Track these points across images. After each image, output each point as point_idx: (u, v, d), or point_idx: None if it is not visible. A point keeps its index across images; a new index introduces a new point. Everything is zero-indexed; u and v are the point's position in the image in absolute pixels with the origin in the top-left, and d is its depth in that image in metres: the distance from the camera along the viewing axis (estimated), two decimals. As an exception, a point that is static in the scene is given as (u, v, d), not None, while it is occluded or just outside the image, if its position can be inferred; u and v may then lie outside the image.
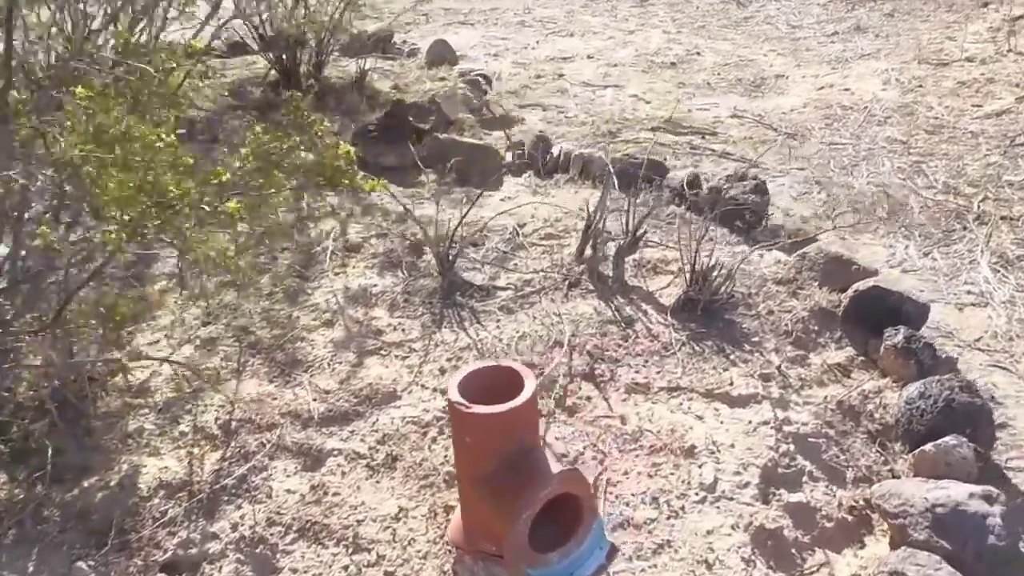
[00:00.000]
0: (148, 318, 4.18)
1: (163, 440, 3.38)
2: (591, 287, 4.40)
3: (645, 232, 4.54)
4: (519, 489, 2.57)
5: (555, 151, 6.07)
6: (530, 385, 2.62)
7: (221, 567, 2.89)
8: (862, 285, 4.16)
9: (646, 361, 3.86)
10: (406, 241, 4.85)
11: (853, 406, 3.62)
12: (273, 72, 7.88)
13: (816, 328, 4.11)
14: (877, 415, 3.57)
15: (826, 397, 3.66)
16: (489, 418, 2.52)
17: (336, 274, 4.62)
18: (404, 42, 9.50)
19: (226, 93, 7.73)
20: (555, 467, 2.59)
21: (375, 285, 4.45)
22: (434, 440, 3.38)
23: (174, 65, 3.54)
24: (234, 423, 3.45)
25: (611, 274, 4.47)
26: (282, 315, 4.22)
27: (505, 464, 2.63)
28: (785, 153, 6.40)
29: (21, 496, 3.11)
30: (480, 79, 8.20)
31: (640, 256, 4.64)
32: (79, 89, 2.92)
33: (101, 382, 3.61)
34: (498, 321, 4.13)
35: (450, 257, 4.41)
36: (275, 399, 3.60)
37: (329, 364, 3.84)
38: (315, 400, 3.58)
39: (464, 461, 2.75)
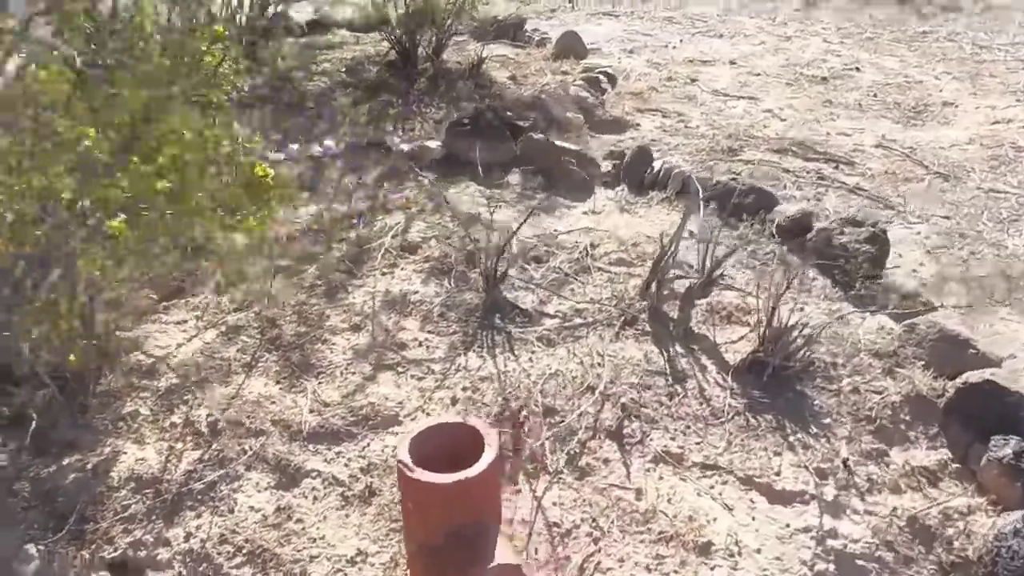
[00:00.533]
0: (190, 295, 4.17)
1: (152, 429, 3.33)
2: (648, 329, 3.96)
3: (723, 273, 4.04)
4: (461, 570, 2.26)
5: (656, 165, 5.60)
6: (488, 456, 2.30)
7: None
8: (975, 376, 3.49)
9: (687, 427, 3.41)
10: (464, 248, 4.59)
11: (929, 526, 3.02)
12: (393, 52, 7.85)
13: (908, 419, 3.49)
14: (957, 543, 2.96)
15: (896, 509, 3.07)
16: (433, 487, 2.23)
17: (383, 274, 4.44)
18: (535, 30, 9.23)
19: (343, 70, 7.80)
20: (502, 555, 2.25)
21: (416, 292, 4.23)
22: (419, 479, 3.12)
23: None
24: (223, 423, 3.35)
25: (675, 317, 4.01)
26: (314, 311, 4.10)
27: (452, 539, 2.33)
28: (931, 196, 5.59)
29: (3, 464, 3.14)
30: (603, 77, 7.80)
31: (715, 300, 4.14)
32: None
33: (112, 357, 3.61)
34: (532, 353, 3.79)
35: (497, 273, 4.11)
36: (273, 403, 3.47)
37: (341, 373, 3.67)
38: (311, 412, 3.42)
39: (408, 526, 2.48)
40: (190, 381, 3.59)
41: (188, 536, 2.90)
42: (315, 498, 3.06)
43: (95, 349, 3.48)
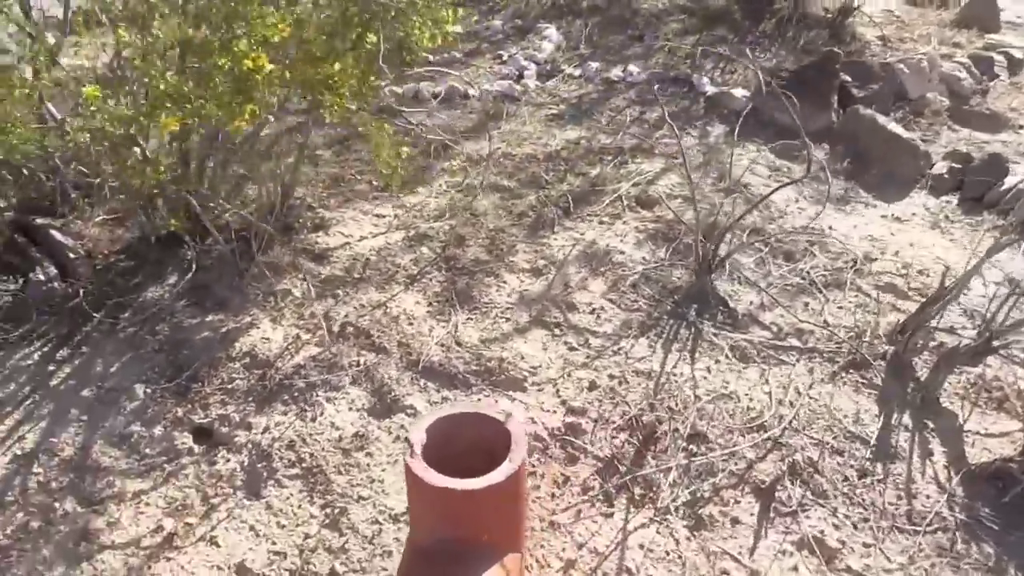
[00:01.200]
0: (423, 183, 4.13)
1: (292, 313, 3.34)
2: (879, 381, 3.04)
3: (1013, 342, 2.93)
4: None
5: (1009, 182, 4.29)
6: (503, 470, 1.84)
7: (230, 460, 2.78)
8: None
9: (864, 519, 2.55)
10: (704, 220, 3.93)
11: None
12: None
13: None
14: None
15: None
16: (423, 484, 1.84)
17: (601, 223, 3.99)
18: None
19: (681, -5, 7.20)
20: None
21: (621, 253, 3.72)
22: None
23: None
24: (352, 329, 3.24)
25: (923, 377, 3.03)
26: (506, 241, 3.81)
27: (440, 546, 1.94)
28: None
29: (162, 299, 3.38)
30: (1000, 58, 6.22)
31: (988, 375, 3.04)
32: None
33: (292, 231, 3.70)
34: (716, 362, 3.12)
35: (716, 257, 3.44)
36: (410, 324, 3.29)
37: (494, 316, 3.36)
38: (439, 345, 3.17)
39: (411, 513, 2.11)
40: (351, 277, 3.54)
41: (266, 429, 2.86)
42: (395, 437, 2.83)
43: (279, 223, 3.59)
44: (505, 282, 3.54)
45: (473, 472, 1.88)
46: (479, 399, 2.97)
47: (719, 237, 3.43)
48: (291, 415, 2.92)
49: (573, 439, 2.82)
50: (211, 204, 3.55)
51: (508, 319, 3.34)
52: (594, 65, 6.07)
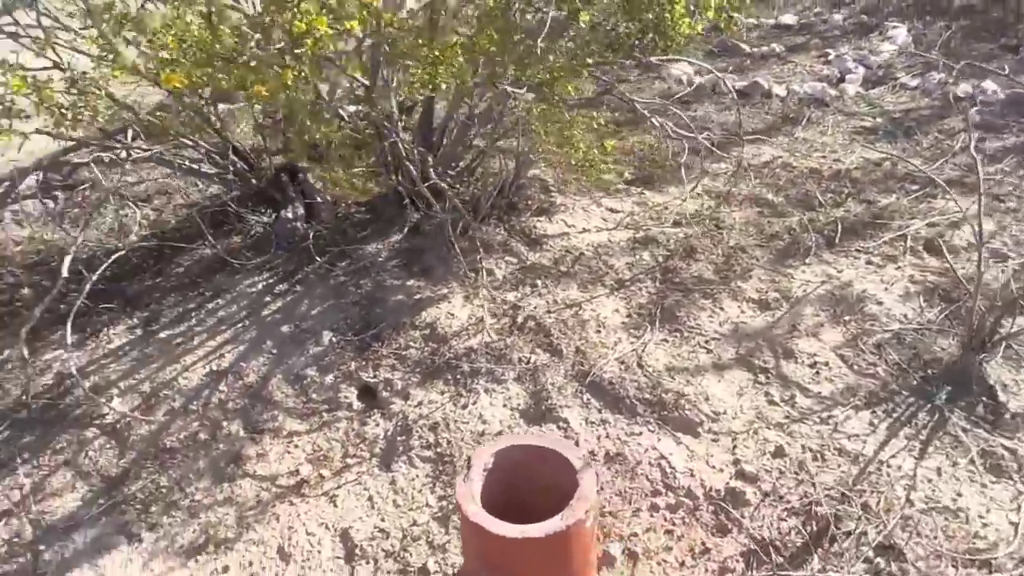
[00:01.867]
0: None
1: (488, 294, 3.31)
2: None
3: None
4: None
5: None
6: (550, 525, 1.63)
7: (379, 425, 2.85)
8: None
9: None
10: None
11: None
12: None
13: None
14: None
15: None
16: (466, 520, 1.70)
17: (870, 262, 3.41)
18: None
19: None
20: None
21: (879, 304, 3.14)
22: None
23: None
24: (536, 324, 3.13)
25: None
26: (742, 262, 3.42)
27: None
28: None
29: (377, 256, 3.55)
30: None
31: None
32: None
33: (518, 211, 3.66)
34: (951, 465, 2.49)
35: (991, 333, 2.74)
36: (598, 332, 3.09)
37: (693, 343, 3.02)
38: (619, 362, 2.93)
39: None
40: (557, 269, 3.42)
41: (419, 404, 2.88)
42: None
43: (505, 200, 3.58)
44: (722, 308, 3.17)
45: (539, 513, 1.68)
46: (636, 433, 2.69)
47: (1006, 309, 2.72)
48: (446, 397, 2.89)
49: (731, 508, 2.43)
50: (449, 173, 3.65)
51: (709, 351, 2.98)
52: (937, 76, 5.19)
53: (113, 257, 3.21)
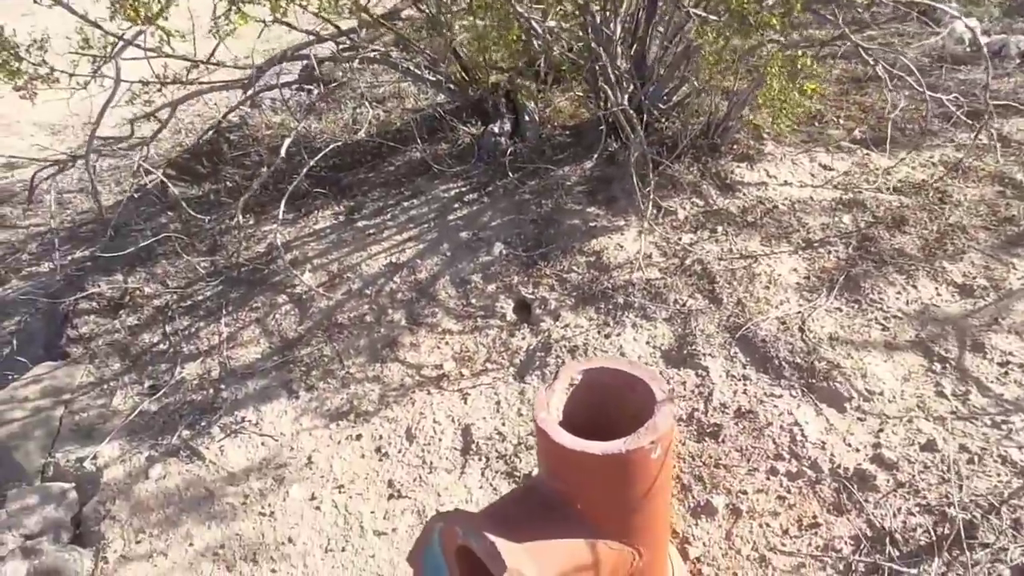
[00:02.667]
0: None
1: (661, 231, 3.32)
2: None
3: None
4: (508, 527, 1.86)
5: None
6: (611, 445, 1.71)
7: (525, 339, 3.02)
8: None
9: None
10: None
11: None
12: None
13: None
14: None
15: None
16: (536, 423, 1.81)
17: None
18: None
19: None
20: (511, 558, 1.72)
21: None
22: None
23: None
24: (701, 267, 3.10)
25: None
26: (961, 243, 3.12)
27: (543, 491, 1.90)
28: None
29: (566, 179, 3.67)
30: None
31: None
32: None
33: (720, 153, 3.59)
34: None
35: None
36: (765, 289, 2.99)
37: (868, 316, 2.84)
38: (779, 322, 2.84)
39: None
40: (743, 219, 3.33)
41: (566, 326, 3.00)
42: (670, 389, 2.70)
43: (708, 140, 3.55)
44: (915, 287, 2.93)
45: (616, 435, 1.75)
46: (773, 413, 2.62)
47: None
48: (593, 324, 2.99)
49: (856, 489, 2.32)
50: (659, 106, 3.66)
51: (885, 328, 2.79)
52: None
53: (330, 147, 3.62)
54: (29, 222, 4.73)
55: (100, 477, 2.83)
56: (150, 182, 4.28)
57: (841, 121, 3.94)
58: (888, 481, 2.33)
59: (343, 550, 2.46)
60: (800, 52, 2.77)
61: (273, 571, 2.44)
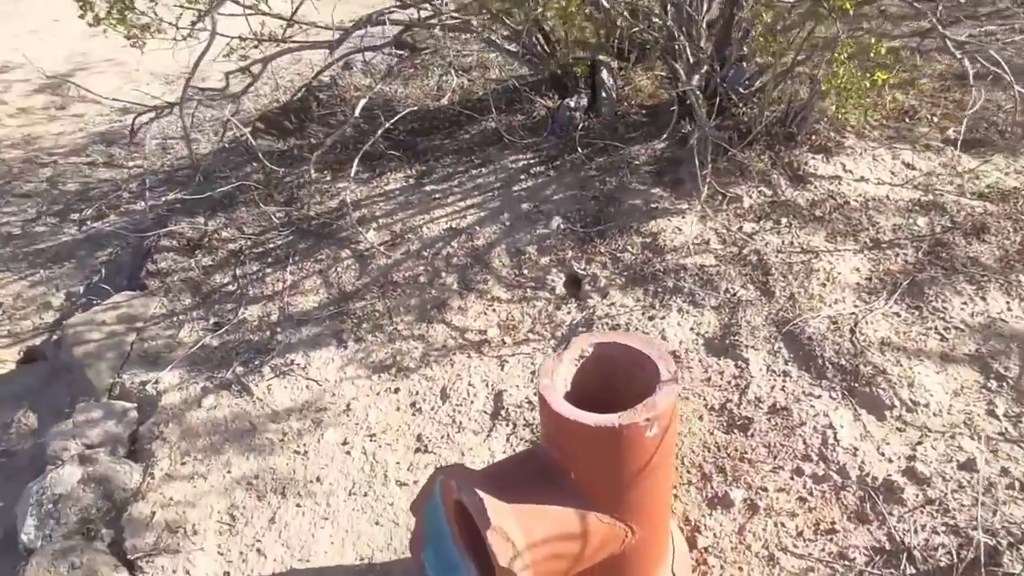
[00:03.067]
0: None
1: (723, 218, 3.25)
2: None
3: None
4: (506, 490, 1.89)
5: None
6: (606, 418, 1.71)
7: (570, 314, 3.03)
8: None
9: None
10: None
11: None
12: None
13: None
14: None
15: None
16: (541, 399, 1.82)
17: None
18: None
19: None
20: (497, 518, 1.74)
21: None
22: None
23: None
24: (757, 257, 3.02)
25: None
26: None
27: (541, 457, 1.92)
28: None
29: (635, 158, 3.63)
30: None
31: None
32: None
33: (795, 143, 3.47)
34: None
35: None
36: (821, 287, 2.90)
37: (927, 325, 2.71)
38: (830, 321, 2.75)
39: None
40: (810, 212, 3.22)
41: (611, 305, 2.99)
42: (707, 378, 2.66)
43: (783, 128, 3.45)
44: (984, 299, 2.78)
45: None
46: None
47: None
48: (639, 305, 2.96)
49: (880, 500, 2.24)
50: (739, 90, 3.57)
51: (943, 339, 2.66)
52: None
53: (406, 112, 3.70)
54: (133, 163, 5.02)
55: (158, 401, 3.01)
56: (239, 135, 4.47)
57: (935, 119, 3.73)
58: (917, 496, 2.23)
59: (365, 495, 2.54)
60: (873, 39, 2.64)
61: (298, 505, 2.55)
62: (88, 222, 4.43)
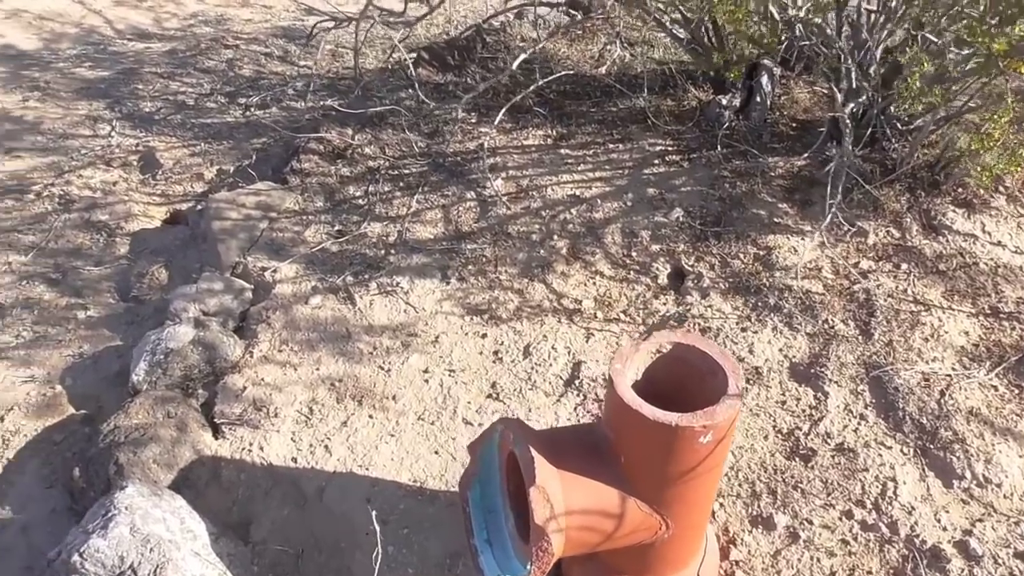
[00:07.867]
0: None
1: (843, 248, 3.14)
2: None
3: None
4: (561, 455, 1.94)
5: None
6: (651, 409, 1.73)
7: (666, 303, 3.03)
8: None
9: None
10: None
11: None
12: None
13: None
14: None
15: None
16: (609, 380, 1.85)
17: None
18: None
19: None
20: (542, 476, 1.80)
21: None
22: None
23: None
24: (864, 294, 2.91)
25: None
26: None
27: (595, 429, 1.96)
28: None
29: (775, 172, 3.53)
30: None
31: None
32: None
33: (940, 192, 3.30)
34: None
35: None
36: (924, 342, 2.78)
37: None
38: (921, 385, 2.64)
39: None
40: (935, 266, 3.07)
41: (708, 307, 2.96)
42: (779, 402, 2.62)
43: (930, 174, 3.30)
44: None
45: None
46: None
47: None
48: (734, 315, 2.93)
49: (923, 563, 2.17)
50: (897, 124, 3.42)
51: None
52: None
53: (559, 73, 3.72)
54: (303, 63, 5.23)
55: (272, 288, 3.20)
56: (404, 59, 4.59)
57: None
58: (962, 571, 2.15)
59: (432, 423, 2.65)
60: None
61: (371, 416, 2.68)
62: (252, 109, 4.67)
